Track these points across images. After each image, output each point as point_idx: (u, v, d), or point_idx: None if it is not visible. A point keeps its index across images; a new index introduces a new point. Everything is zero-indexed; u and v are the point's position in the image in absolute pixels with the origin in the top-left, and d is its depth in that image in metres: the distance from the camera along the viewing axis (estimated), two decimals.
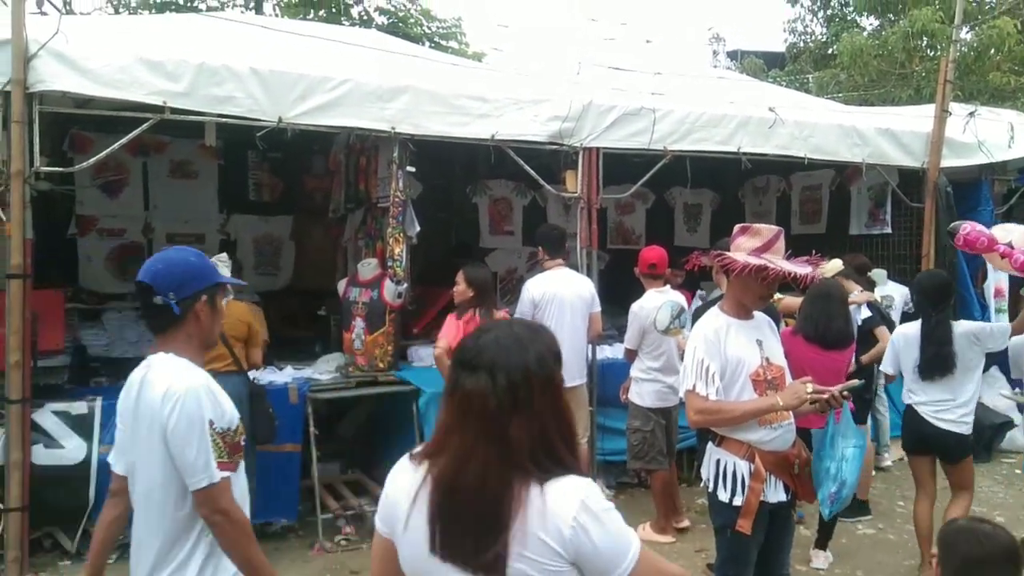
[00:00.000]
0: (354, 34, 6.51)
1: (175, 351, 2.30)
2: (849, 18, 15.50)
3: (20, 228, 4.45)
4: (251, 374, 5.00)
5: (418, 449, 1.75)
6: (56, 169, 4.90)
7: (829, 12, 16.46)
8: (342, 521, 5.34)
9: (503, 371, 1.62)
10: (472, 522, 1.60)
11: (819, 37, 16.81)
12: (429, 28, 11.74)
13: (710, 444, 3.32)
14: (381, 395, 5.63)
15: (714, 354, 3.18)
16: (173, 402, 2.17)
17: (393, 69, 5.62)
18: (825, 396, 3.14)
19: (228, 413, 2.26)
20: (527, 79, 6.11)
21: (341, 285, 5.79)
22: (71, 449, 4.73)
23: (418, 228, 5.59)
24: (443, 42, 11.69)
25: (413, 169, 5.45)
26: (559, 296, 5.31)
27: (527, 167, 5.86)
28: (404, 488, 1.70)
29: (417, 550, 1.66)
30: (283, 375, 5.52)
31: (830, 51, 15.22)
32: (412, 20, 11.49)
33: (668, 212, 9.41)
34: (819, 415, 3.45)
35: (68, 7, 10.09)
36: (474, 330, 1.75)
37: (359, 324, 5.55)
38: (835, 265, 5.56)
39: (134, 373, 2.36)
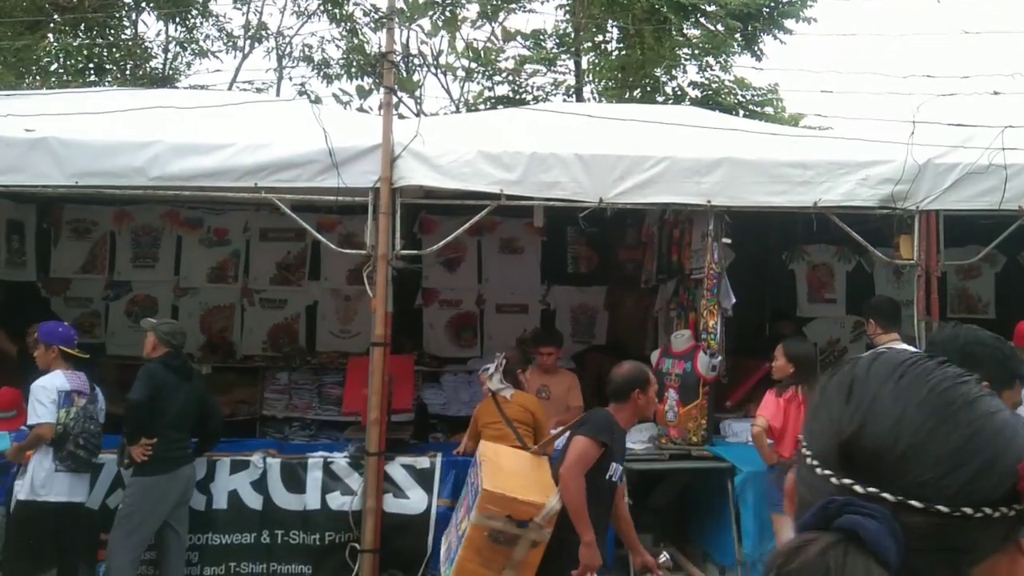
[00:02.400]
0: (669, 112, 6.71)
1: None
2: None
3: (383, 303, 5.17)
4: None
5: None
6: (413, 252, 5.61)
7: None
8: None
9: None
10: None
11: None
12: (743, 97, 11.67)
13: None
14: (695, 470, 5.55)
15: None
16: None
17: (708, 143, 5.67)
18: None
19: None
20: (853, 142, 5.80)
21: (654, 356, 5.86)
22: (415, 500, 5.27)
23: (734, 300, 5.51)
24: (757, 109, 11.53)
25: (729, 241, 5.41)
26: None
27: (853, 233, 5.53)
28: None
29: None
30: None
31: None
32: (725, 91, 11.50)
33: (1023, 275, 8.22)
34: None
35: (419, 107, 11.63)
36: None
37: (672, 396, 5.56)
38: None
39: None
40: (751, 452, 5.27)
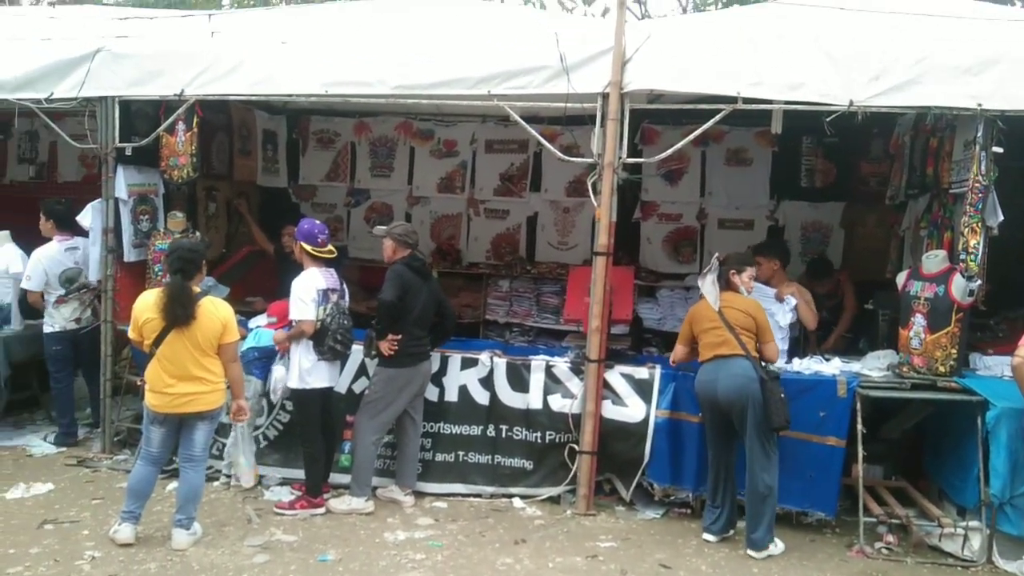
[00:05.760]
0: (932, 4, 5.93)
1: None
2: None
3: (607, 212, 5.13)
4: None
5: None
6: (639, 160, 5.49)
7: None
8: (884, 528, 5.03)
9: None
10: None
11: None
12: None
13: None
14: (937, 402, 5.11)
15: None
16: None
17: (980, 38, 4.98)
18: None
19: None
20: None
21: (901, 278, 5.38)
22: (633, 408, 5.31)
23: (1000, 217, 4.91)
24: None
25: (1000, 150, 4.78)
26: None
27: None
28: None
29: None
30: (830, 366, 5.37)
31: None
32: None
33: None
34: None
35: (644, 11, 11.19)
36: None
37: (919, 321, 5.10)
38: None
39: None
40: (1007, 387, 4.79)
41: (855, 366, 5.43)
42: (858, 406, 5.01)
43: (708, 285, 4.94)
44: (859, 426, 4.99)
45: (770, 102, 4.92)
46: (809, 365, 5.41)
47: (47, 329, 6.21)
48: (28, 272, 6.15)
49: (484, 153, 8.27)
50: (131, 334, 4.57)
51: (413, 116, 8.19)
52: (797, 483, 5.05)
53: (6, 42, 6.26)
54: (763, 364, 4.80)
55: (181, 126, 5.80)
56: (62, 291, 6.17)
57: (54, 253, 6.22)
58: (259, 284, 7.06)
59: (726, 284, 4.96)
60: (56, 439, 6.29)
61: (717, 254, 5.13)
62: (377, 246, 6.03)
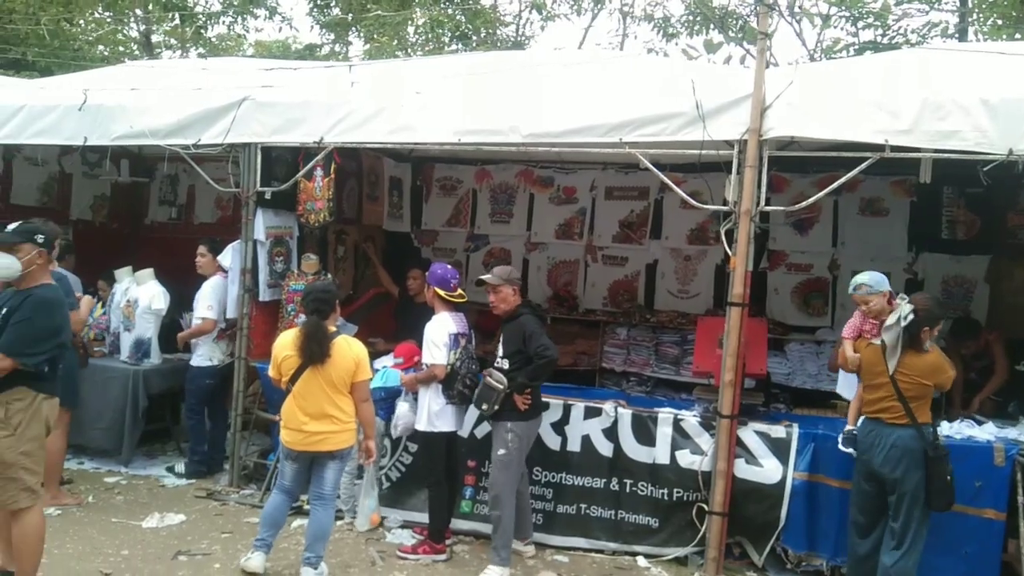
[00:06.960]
0: None
1: None
2: None
3: (743, 261, 4.96)
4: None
5: None
6: (778, 208, 5.31)
7: None
8: None
9: None
10: None
11: None
12: None
13: None
14: None
15: None
16: None
17: None
18: None
19: None
20: None
21: None
22: (768, 469, 5.06)
23: None
24: None
25: None
26: None
27: None
28: None
29: None
30: (983, 431, 4.99)
31: None
32: None
33: None
34: None
35: (771, 56, 10.98)
36: None
37: None
38: None
39: None
40: None
41: (1011, 432, 5.03)
42: (1019, 476, 4.61)
43: (892, 339, 4.44)
44: (1020, 497, 4.59)
45: (918, 150, 4.67)
46: (960, 429, 5.05)
47: (202, 363, 6.39)
48: (209, 302, 6.30)
49: (603, 200, 8.24)
50: (271, 371, 4.69)
51: (534, 164, 8.26)
52: (951, 560, 4.68)
53: (161, 92, 6.67)
54: (933, 434, 4.40)
55: (319, 172, 6.00)
56: (223, 325, 6.37)
57: (224, 286, 6.41)
58: (381, 325, 7.19)
59: (910, 340, 4.41)
60: (187, 470, 6.51)
61: (908, 300, 4.51)
62: None
